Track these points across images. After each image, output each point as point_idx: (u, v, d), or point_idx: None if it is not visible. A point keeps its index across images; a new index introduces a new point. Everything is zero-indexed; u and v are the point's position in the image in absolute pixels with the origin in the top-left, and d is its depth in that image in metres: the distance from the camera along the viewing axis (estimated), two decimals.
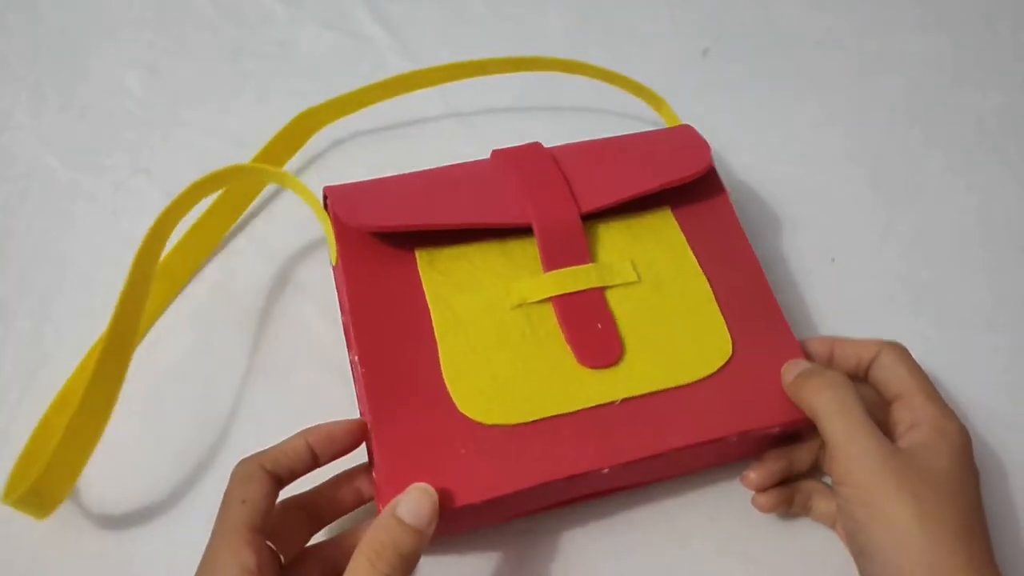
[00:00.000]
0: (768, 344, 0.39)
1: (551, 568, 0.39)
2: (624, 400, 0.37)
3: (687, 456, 0.36)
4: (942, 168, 0.52)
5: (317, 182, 0.52)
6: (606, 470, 0.35)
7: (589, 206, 0.40)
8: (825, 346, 0.39)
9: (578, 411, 0.36)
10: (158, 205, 0.51)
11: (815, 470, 0.40)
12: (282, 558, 0.34)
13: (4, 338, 0.45)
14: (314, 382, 0.44)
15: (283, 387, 0.44)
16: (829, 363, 0.39)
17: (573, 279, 0.39)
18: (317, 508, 0.37)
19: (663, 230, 0.42)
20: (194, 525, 0.39)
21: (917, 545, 0.31)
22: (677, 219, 0.42)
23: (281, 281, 0.47)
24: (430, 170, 0.42)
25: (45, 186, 0.52)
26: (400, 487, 0.34)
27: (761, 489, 0.38)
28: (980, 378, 0.44)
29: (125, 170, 0.52)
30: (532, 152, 0.42)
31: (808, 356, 0.39)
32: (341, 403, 0.41)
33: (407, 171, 0.42)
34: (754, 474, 0.38)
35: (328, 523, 0.37)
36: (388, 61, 0.58)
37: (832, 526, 0.39)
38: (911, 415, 0.35)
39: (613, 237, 0.41)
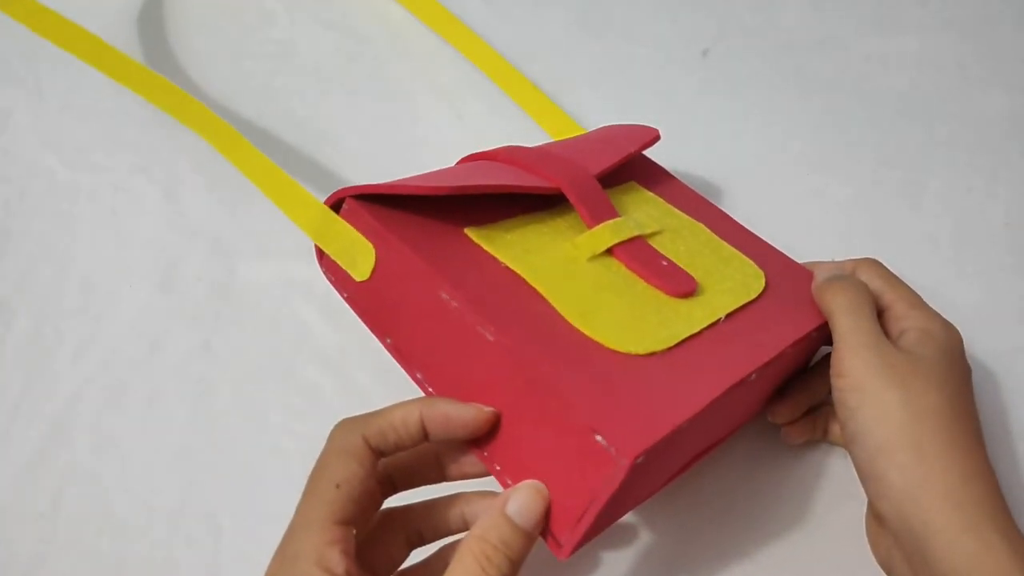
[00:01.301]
0: (776, 264, 0.42)
1: (548, 568, 0.39)
2: (728, 316, 0.37)
3: (773, 372, 0.38)
4: (942, 169, 0.52)
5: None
6: (754, 376, 0.35)
7: (595, 170, 0.42)
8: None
9: (701, 331, 0.36)
10: (158, 205, 0.51)
11: (830, 397, 0.40)
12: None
13: (4, 338, 0.45)
14: (314, 382, 0.44)
15: (283, 387, 0.44)
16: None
17: (624, 227, 0.40)
18: (419, 528, 0.34)
19: (641, 197, 0.44)
20: (193, 525, 0.39)
21: (901, 423, 0.32)
22: (643, 184, 0.45)
23: (281, 281, 0.47)
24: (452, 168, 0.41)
25: (45, 186, 0.52)
26: (617, 425, 0.30)
27: (790, 420, 0.40)
28: (980, 380, 0.44)
29: (125, 170, 0.52)
30: (516, 147, 0.43)
31: None
32: (341, 403, 0.41)
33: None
34: (782, 407, 0.40)
35: (427, 543, 0.35)
36: (388, 61, 0.58)
37: (845, 445, 0.39)
38: (898, 325, 0.37)
39: (617, 203, 0.43)
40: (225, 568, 0.39)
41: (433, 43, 0.58)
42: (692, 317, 0.37)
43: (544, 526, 0.31)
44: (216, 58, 0.58)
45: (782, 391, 0.41)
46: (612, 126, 0.50)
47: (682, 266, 0.39)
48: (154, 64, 0.58)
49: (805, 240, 0.49)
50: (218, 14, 0.60)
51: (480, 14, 0.59)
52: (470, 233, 0.37)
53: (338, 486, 0.29)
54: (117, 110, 0.55)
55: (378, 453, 0.31)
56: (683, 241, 0.42)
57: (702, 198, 0.46)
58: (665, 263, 0.39)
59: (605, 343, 0.34)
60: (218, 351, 0.45)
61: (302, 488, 0.36)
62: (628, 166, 0.46)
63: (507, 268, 0.36)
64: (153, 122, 0.55)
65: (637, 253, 0.39)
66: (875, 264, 0.40)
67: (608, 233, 0.39)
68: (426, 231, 0.36)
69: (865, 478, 0.34)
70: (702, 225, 0.43)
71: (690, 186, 0.47)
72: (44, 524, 0.40)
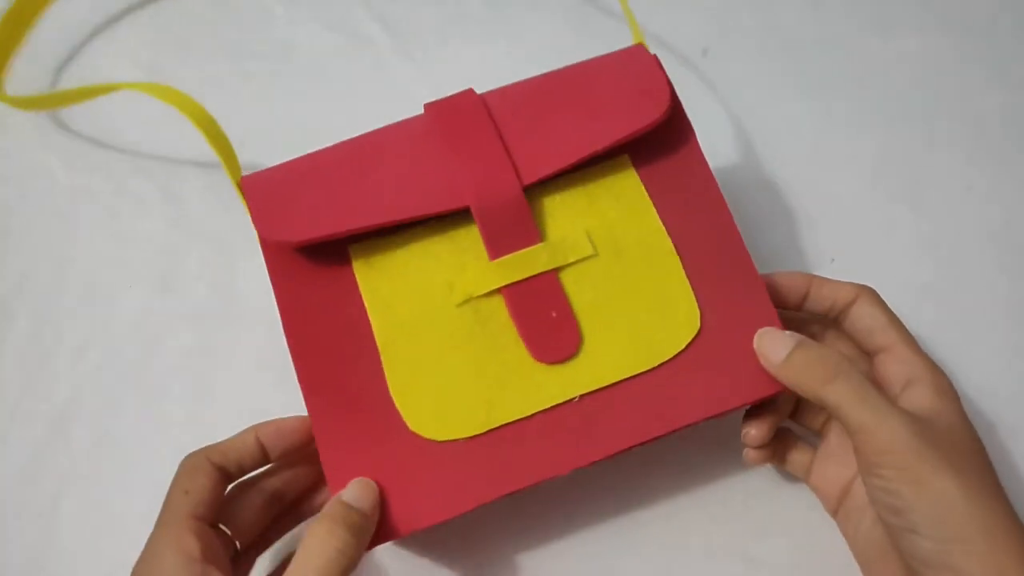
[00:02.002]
0: (742, 310, 0.36)
1: (548, 568, 0.39)
2: (584, 396, 0.35)
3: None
4: (943, 168, 0.52)
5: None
6: (567, 472, 0.34)
7: (532, 176, 0.36)
8: (803, 282, 0.38)
9: (533, 415, 0.34)
10: (158, 205, 0.51)
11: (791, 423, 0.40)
12: (238, 544, 0.35)
13: (4, 338, 0.45)
14: None
15: (283, 387, 0.43)
16: (803, 301, 0.39)
17: (521, 265, 0.36)
18: (275, 488, 0.36)
19: (621, 185, 0.38)
20: None
21: (969, 513, 0.31)
22: (637, 168, 0.38)
23: None
24: (355, 142, 0.38)
25: (45, 186, 0.52)
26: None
27: (762, 445, 0.38)
28: (981, 380, 0.44)
29: (125, 170, 0.52)
30: (465, 109, 0.37)
31: (784, 289, 0.38)
32: None
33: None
34: (755, 430, 0.37)
35: (289, 502, 0.37)
36: (388, 61, 0.58)
37: (805, 478, 0.39)
38: (902, 370, 0.35)
39: (565, 203, 0.37)
40: None
41: (433, 42, 0.58)
42: (540, 393, 0.34)
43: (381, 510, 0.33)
44: (216, 58, 0.58)
45: (755, 410, 0.38)
46: (625, 63, 0.40)
47: (586, 313, 0.35)
48: (153, 63, 0.58)
49: (804, 240, 0.49)
50: (218, 14, 0.60)
51: (480, 14, 0.59)
52: (353, 252, 0.36)
53: (187, 492, 0.33)
54: (117, 110, 0.55)
55: (223, 470, 0.35)
56: (616, 270, 0.36)
57: (712, 187, 0.39)
58: (555, 314, 0.35)
59: (407, 421, 0.34)
60: (218, 351, 0.45)
61: None
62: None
63: (364, 312, 0.35)
64: (153, 122, 0.55)
65: (528, 297, 0.35)
66: (874, 296, 0.38)
67: (498, 274, 0.35)
68: (304, 252, 0.36)
69: (932, 566, 0.32)
70: (668, 239, 0.37)
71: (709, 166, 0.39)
72: (44, 524, 0.40)
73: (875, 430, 0.32)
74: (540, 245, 0.36)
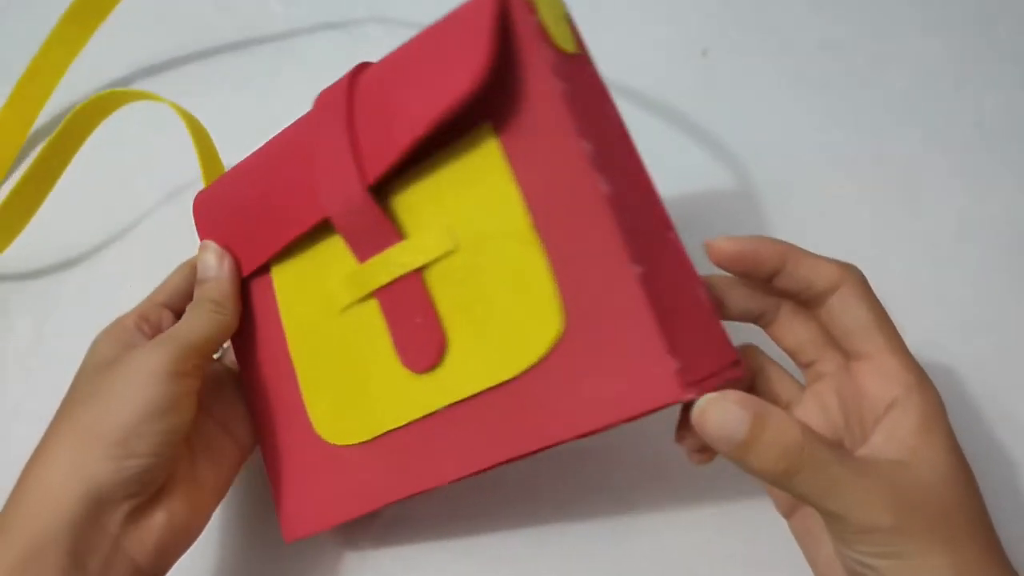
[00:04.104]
0: (614, 304, 0.28)
1: (547, 569, 0.39)
2: (448, 407, 0.32)
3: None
4: (942, 169, 0.52)
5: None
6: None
7: (374, 172, 0.31)
8: (777, 252, 0.32)
9: (408, 424, 0.33)
10: (158, 205, 0.51)
11: None
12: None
13: (4, 339, 0.46)
14: None
15: None
16: (773, 275, 0.32)
17: (383, 269, 0.33)
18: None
19: (481, 163, 0.31)
20: None
21: None
22: (502, 136, 0.30)
23: None
24: (273, 142, 0.38)
25: None
26: (293, 519, 0.37)
27: (700, 449, 0.32)
28: (981, 380, 0.44)
29: (125, 170, 0.52)
30: (333, 97, 0.34)
31: (752, 259, 0.32)
32: None
33: None
34: (690, 434, 0.31)
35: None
36: None
37: (787, 516, 0.35)
38: (886, 388, 0.30)
39: (423, 193, 0.32)
40: (225, 569, 0.40)
41: None
42: (410, 403, 0.33)
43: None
44: (216, 58, 0.58)
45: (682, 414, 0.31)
46: (435, 30, 0.31)
47: (450, 316, 0.32)
48: (154, 64, 0.58)
49: (803, 240, 0.49)
50: (218, 14, 0.60)
51: None
52: (274, 273, 0.37)
53: (164, 284, 0.40)
54: (118, 109, 0.55)
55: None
56: (477, 266, 0.31)
57: (580, 156, 0.28)
58: (419, 320, 0.32)
59: (313, 425, 0.36)
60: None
61: None
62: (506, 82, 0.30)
63: (280, 320, 0.37)
64: (153, 122, 0.55)
65: (396, 302, 0.33)
66: (859, 286, 0.31)
67: (361, 279, 0.33)
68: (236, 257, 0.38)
69: None
70: (527, 227, 0.30)
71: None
72: None
73: (848, 517, 0.28)
74: (399, 245, 0.32)
